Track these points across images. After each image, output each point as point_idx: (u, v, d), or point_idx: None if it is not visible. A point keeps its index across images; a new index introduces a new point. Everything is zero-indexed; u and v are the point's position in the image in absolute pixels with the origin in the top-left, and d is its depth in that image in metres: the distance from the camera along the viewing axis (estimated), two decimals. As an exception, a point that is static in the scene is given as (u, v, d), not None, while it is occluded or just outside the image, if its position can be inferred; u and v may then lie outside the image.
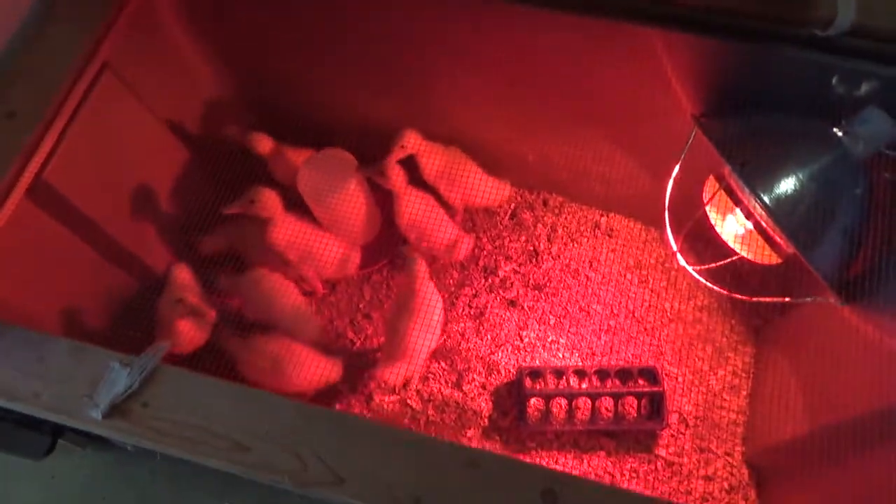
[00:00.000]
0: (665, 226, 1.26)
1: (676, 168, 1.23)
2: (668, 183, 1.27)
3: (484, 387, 1.49)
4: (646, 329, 1.53)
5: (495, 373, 1.50)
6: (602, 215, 1.67)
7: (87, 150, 1.21)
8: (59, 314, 1.25)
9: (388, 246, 1.60)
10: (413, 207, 1.45)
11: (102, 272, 1.37)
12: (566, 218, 1.67)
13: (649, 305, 1.55)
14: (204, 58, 1.50)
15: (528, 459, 1.41)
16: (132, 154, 1.39)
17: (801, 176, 1.04)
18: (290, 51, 1.47)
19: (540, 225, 1.66)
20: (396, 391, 1.49)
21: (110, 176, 1.34)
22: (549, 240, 1.64)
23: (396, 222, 1.47)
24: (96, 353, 0.89)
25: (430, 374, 1.50)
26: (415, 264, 1.34)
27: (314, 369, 1.34)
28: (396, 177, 1.39)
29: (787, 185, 1.04)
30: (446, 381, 1.49)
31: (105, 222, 1.33)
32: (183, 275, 1.36)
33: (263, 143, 1.44)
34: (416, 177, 1.49)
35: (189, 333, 1.30)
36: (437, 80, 1.44)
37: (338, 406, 1.47)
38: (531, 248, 1.63)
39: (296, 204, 1.46)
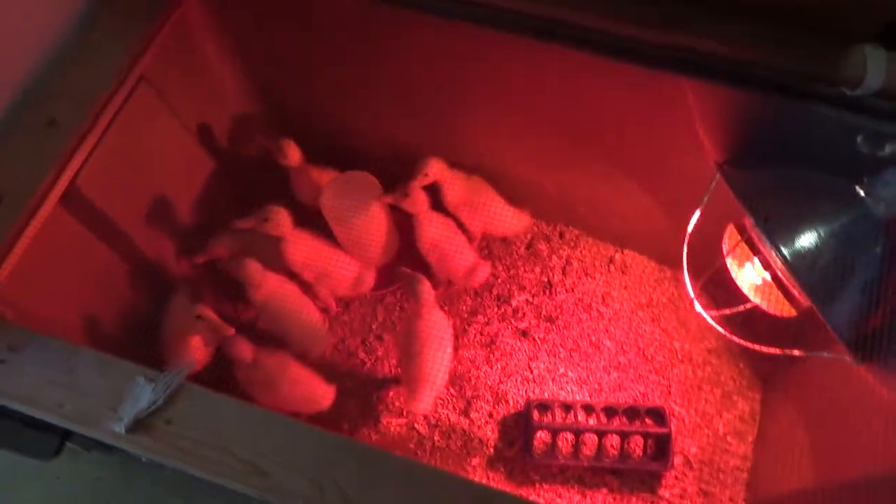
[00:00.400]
0: (683, 270, 1.27)
1: (696, 214, 1.25)
2: (687, 226, 1.28)
3: (491, 415, 1.49)
4: (655, 368, 1.54)
5: (503, 402, 1.51)
6: (617, 251, 1.68)
7: (119, 159, 1.23)
8: (78, 319, 1.26)
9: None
10: (434, 231, 1.47)
11: (122, 279, 1.39)
12: (581, 251, 1.68)
13: (659, 344, 1.57)
14: (235, 75, 1.53)
15: (531, 492, 1.42)
16: (160, 164, 1.41)
17: (821, 232, 1.05)
18: (319, 73, 1.50)
19: (555, 257, 1.67)
20: (404, 414, 1.50)
21: (138, 184, 1.37)
22: (563, 272, 1.65)
23: (417, 245, 1.48)
24: (123, 366, 0.90)
25: (438, 400, 1.51)
26: (419, 285, 1.34)
27: (306, 393, 1.35)
28: (420, 200, 1.40)
29: (807, 239, 1.05)
30: (454, 408, 1.50)
31: (129, 230, 1.35)
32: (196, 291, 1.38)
33: (293, 153, 1.45)
34: (437, 202, 1.50)
35: (200, 350, 1.31)
36: (464, 110, 1.46)
37: (346, 426, 1.48)
38: (545, 280, 1.64)
39: (314, 223, 1.47)
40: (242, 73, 1.53)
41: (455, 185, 1.49)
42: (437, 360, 1.32)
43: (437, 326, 1.34)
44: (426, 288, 1.34)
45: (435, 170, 1.43)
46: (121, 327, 1.35)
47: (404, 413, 1.49)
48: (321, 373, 1.48)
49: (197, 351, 1.31)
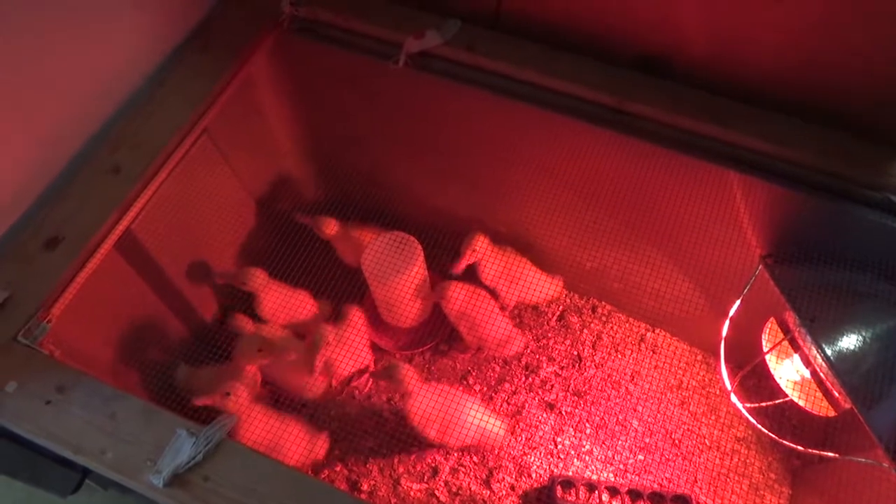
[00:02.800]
0: (720, 358, 1.26)
1: (737, 303, 1.25)
2: (722, 313, 1.28)
3: (513, 488, 1.47)
4: (682, 453, 1.51)
5: (526, 475, 1.49)
6: (648, 330, 1.68)
7: (173, 206, 1.27)
8: (123, 360, 1.28)
9: (434, 329, 1.62)
10: (462, 300, 1.45)
11: (165, 321, 1.41)
12: (613, 327, 1.68)
13: (687, 429, 1.54)
14: (289, 133, 1.58)
15: (550, 572, 1.39)
16: (209, 211, 1.45)
17: (866, 336, 1.05)
18: (368, 138, 1.55)
19: (586, 331, 1.67)
20: (425, 480, 1.48)
21: (186, 230, 1.39)
22: (593, 347, 1.65)
23: (445, 312, 1.49)
24: (164, 416, 0.91)
25: (460, 467, 1.49)
26: (398, 371, 1.30)
27: (300, 443, 1.33)
28: (455, 299, 1.43)
29: (850, 342, 1.05)
30: (476, 477, 1.49)
31: (174, 274, 1.38)
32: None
33: (329, 227, 1.48)
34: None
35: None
36: (506, 180, 1.49)
37: (365, 486, 1.47)
38: (575, 353, 1.64)
39: (357, 280, 1.49)
40: (296, 131, 1.58)
41: (494, 262, 1.50)
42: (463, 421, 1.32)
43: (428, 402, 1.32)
44: (407, 371, 1.31)
45: (481, 245, 1.45)
46: (162, 370, 1.36)
47: (425, 478, 1.48)
48: (343, 429, 1.49)
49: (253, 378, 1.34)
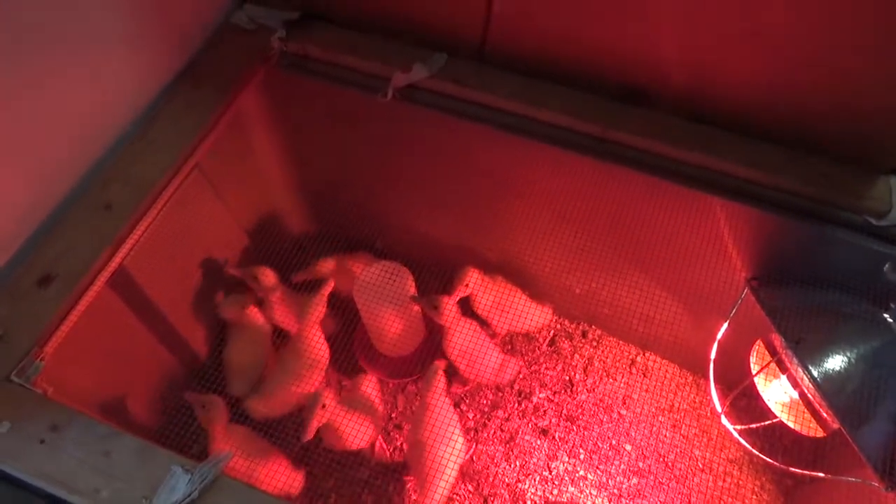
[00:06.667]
0: (710, 380, 1.28)
1: (724, 326, 1.27)
2: (710, 334, 1.30)
3: (508, 516, 1.47)
4: (675, 476, 1.52)
5: (521, 503, 1.48)
6: (639, 353, 1.69)
7: (165, 241, 1.27)
8: (117, 397, 1.28)
9: (426, 357, 1.63)
10: (463, 339, 1.46)
11: (159, 357, 1.41)
12: (603, 351, 1.69)
13: (680, 451, 1.55)
14: (281, 168, 1.59)
15: None
16: (202, 245, 1.46)
17: (850, 356, 1.07)
18: (359, 172, 1.57)
19: (577, 355, 1.68)
20: (420, 509, 1.47)
21: (179, 266, 1.40)
22: (585, 371, 1.66)
23: (445, 351, 1.48)
24: (159, 453, 0.91)
25: (455, 496, 1.49)
26: (434, 377, 1.36)
27: (277, 476, 1.30)
28: (449, 313, 1.41)
29: (837, 363, 1.07)
30: (471, 505, 1.48)
31: (167, 310, 1.38)
32: None
33: (326, 266, 1.50)
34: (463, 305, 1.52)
35: None
36: (495, 209, 1.51)
37: (360, 517, 1.46)
38: (567, 378, 1.65)
39: (347, 308, 1.50)
40: (287, 164, 1.60)
41: (486, 293, 1.50)
42: (447, 452, 1.31)
43: (445, 418, 1.34)
44: (439, 381, 1.35)
45: (473, 280, 1.46)
46: (157, 405, 1.36)
47: (421, 508, 1.47)
48: (337, 459, 1.49)
49: None
